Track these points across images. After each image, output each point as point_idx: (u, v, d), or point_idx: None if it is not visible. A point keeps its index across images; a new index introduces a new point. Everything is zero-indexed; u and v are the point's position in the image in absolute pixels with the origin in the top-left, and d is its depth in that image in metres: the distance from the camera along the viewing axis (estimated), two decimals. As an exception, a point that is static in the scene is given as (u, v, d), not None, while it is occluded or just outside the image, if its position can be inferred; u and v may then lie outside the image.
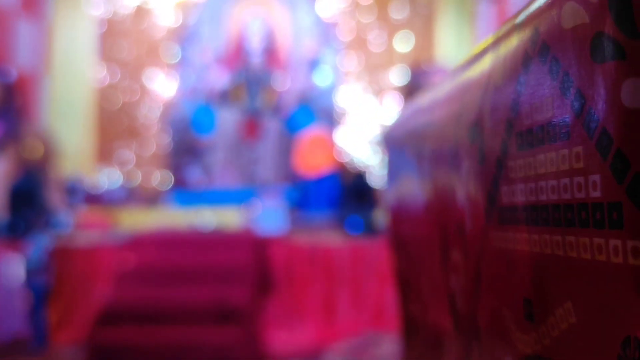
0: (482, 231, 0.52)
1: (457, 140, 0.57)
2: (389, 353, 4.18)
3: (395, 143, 0.81)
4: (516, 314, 0.49)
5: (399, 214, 0.66)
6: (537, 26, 0.47)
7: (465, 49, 8.98)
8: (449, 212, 0.58)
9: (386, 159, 0.92)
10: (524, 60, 0.49)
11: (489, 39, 0.56)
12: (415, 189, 0.67)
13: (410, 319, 0.62)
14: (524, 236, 0.48)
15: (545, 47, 0.45)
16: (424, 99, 0.71)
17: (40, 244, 4.32)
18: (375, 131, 9.34)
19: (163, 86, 9.38)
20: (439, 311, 0.54)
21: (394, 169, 0.85)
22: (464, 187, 0.55)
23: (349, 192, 5.45)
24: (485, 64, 0.57)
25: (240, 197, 7.40)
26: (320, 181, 6.35)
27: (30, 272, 4.23)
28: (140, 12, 9.39)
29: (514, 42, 0.52)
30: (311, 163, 6.44)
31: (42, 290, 4.35)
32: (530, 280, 0.47)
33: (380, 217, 5.84)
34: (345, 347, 4.33)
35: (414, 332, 0.62)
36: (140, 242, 5.00)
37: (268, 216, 5.30)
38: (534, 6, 0.48)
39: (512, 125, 0.50)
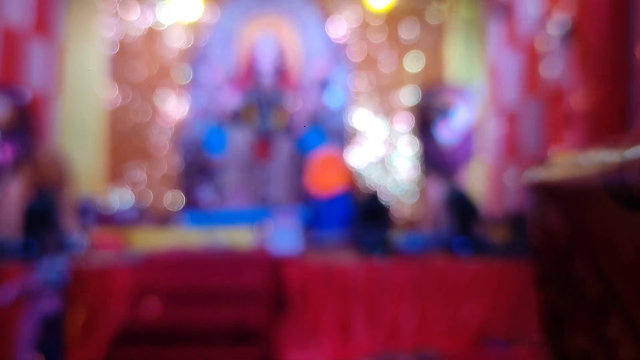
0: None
1: None
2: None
3: None
4: None
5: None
6: None
7: (476, 69, 9.02)
8: None
9: None
10: None
11: None
12: None
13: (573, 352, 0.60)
14: None
15: None
16: None
17: (55, 265, 4.32)
18: (385, 151, 9.35)
19: (174, 107, 9.45)
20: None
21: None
22: None
23: (362, 211, 5.45)
24: None
25: (252, 217, 7.40)
26: (333, 201, 6.35)
27: (45, 294, 4.23)
28: (152, 34, 9.49)
29: None
30: (323, 183, 6.44)
31: (57, 313, 4.35)
32: None
33: (394, 236, 5.83)
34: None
35: None
36: (154, 263, 5.00)
37: (281, 236, 5.30)
38: None
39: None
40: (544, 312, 0.66)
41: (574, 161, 0.56)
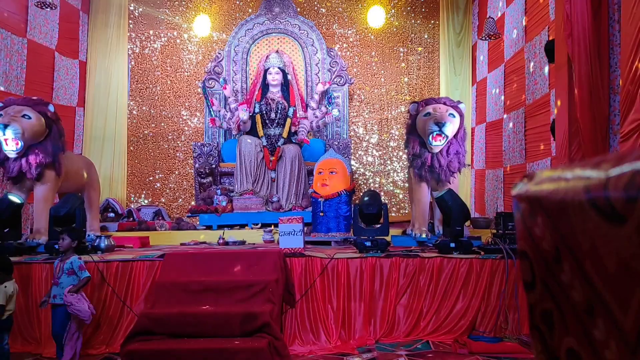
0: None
1: None
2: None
3: None
4: None
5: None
6: None
7: (465, 83, 9.02)
8: None
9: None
10: None
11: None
12: None
13: (564, 351, 0.59)
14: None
15: None
16: None
17: (79, 265, 4.31)
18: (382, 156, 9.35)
19: (190, 117, 9.47)
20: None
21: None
22: None
23: (360, 213, 5.43)
24: None
25: (261, 219, 7.42)
26: (334, 203, 6.34)
27: (69, 293, 4.21)
28: (170, 49, 9.52)
29: None
30: (326, 186, 6.44)
31: (80, 308, 4.33)
32: None
33: (390, 236, 5.82)
34: (361, 357, 4.28)
35: None
36: (170, 261, 4.99)
37: (287, 236, 5.29)
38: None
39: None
40: (533, 313, 0.65)
41: (559, 175, 0.56)
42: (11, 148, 5.56)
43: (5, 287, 4.02)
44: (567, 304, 0.56)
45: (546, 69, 5.94)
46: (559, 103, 4.81)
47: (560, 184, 0.54)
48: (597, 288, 0.50)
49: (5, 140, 5.54)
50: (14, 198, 5.39)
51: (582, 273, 0.52)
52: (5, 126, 5.50)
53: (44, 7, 6.95)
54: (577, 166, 0.53)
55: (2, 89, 7.01)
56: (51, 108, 5.92)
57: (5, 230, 5.27)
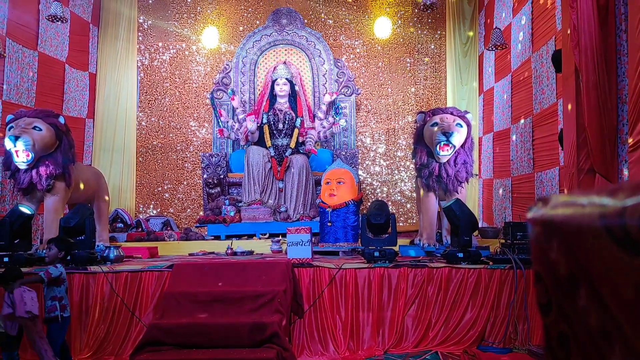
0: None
1: None
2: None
3: None
4: None
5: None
6: None
7: (472, 92, 9.01)
8: None
9: None
10: None
11: None
12: None
13: None
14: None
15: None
16: None
17: (64, 276, 4.29)
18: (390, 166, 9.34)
19: (198, 128, 9.50)
20: None
21: None
22: None
23: (368, 223, 5.42)
24: None
25: (268, 229, 7.41)
26: (342, 213, 6.33)
27: (62, 303, 4.19)
28: (178, 60, 9.58)
29: None
30: (334, 196, 6.43)
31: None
32: None
33: (398, 246, 5.80)
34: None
35: None
36: (179, 271, 4.99)
37: (295, 246, 5.28)
38: None
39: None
40: (548, 334, 0.64)
41: (575, 201, 0.55)
42: (22, 159, 5.60)
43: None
44: (583, 328, 0.56)
45: (553, 78, 5.93)
46: (569, 107, 4.78)
47: (576, 210, 0.54)
48: (614, 315, 0.50)
49: (16, 151, 5.59)
50: (25, 209, 5.42)
51: (599, 299, 0.52)
52: (17, 138, 5.54)
53: (55, 20, 7.02)
54: (593, 193, 0.53)
55: (13, 101, 7.07)
56: (61, 120, 5.96)
57: (16, 241, 5.30)
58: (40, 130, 5.69)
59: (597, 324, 0.53)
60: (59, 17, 6.92)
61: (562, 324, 0.60)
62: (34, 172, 5.70)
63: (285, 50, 9.17)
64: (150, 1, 9.61)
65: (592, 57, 4.34)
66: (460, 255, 4.96)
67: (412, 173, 8.96)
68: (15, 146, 5.56)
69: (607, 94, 4.30)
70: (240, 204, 7.74)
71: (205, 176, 8.25)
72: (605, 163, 4.29)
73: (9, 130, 5.72)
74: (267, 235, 7.32)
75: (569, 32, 4.67)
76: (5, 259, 5.06)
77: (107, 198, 7.10)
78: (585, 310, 0.55)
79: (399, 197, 9.40)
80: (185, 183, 9.41)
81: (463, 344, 4.64)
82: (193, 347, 4.27)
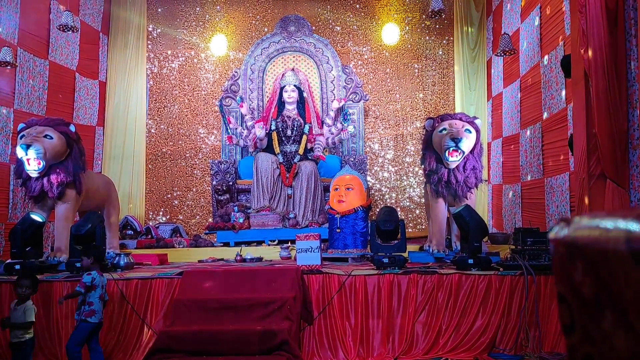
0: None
1: None
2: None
3: None
4: None
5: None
6: None
7: (481, 97, 8.98)
8: None
9: None
10: None
11: None
12: None
13: None
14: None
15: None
16: None
17: (98, 282, 4.33)
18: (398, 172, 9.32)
19: (207, 135, 9.53)
20: None
21: None
22: None
23: (377, 229, 5.40)
24: None
25: (277, 235, 7.41)
26: (351, 219, 6.31)
27: (88, 309, 4.22)
28: (187, 68, 9.62)
29: None
30: (343, 202, 6.42)
31: (98, 327, 4.34)
32: None
33: (408, 252, 5.77)
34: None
35: None
36: (189, 278, 4.99)
37: (305, 253, 5.27)
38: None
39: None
40: (573, 355, 0.63)
41: (599, 224, 0.54)
42: (33, 168, 5.63)
43: (33, 304, 4.13)
44: (610, 351, 0.54)
45: (563, 83, 5.89)
46: (579, 113, 4.75)
47: (601, 233, 0.53)
48: None
49: (28, 160, 5.62)
50: (36, 217, 5.45)
51: (626, 322, 0.50)
52: (28, 146, 5.58)
53: (66, 30, 7.07)
54: (618, 216, 0.51)
55: (24, 109, 7.12)
56: (72, 128, 5.99)
57: (27, 249, 5.33)
58: (52, 138, 5.72)
59: (624, 347, 0.52)
60: (69, 26, 6.97)
61: (587, 345, 0.58)
62: (45, 180, 5.73)
63: (294, 57, 9.19)
64: (160, 10, 9.67)
65: (602, 62, 4.31)
66: (471, 261, 4.93)
67: (421, 179, 8.93)
68: (26, 154, 5.59)
69: (617, 98, 4.27)
70: (249, 211, 7.74)
71: (214, 183, 8.26)
72: (616, 168, 4.26)
73: (21, 138, 5.76)
74: (276, 242, 7.31)
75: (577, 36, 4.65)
76: (17, 266, 5.09)
77: (117, 205, 7.12)
78: (611, 332, 0.53)
79: (407, 203, 9.37)
80: (194, 190, 9.43)
81: (474, 351, 4.60)
82: (203, 355, 4.27)
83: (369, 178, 9.04)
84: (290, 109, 8.41)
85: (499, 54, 7.02)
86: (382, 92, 9.51)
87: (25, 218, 5.48)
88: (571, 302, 0.61)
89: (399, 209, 9.03)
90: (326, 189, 7.66)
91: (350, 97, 8.89)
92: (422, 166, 6.43)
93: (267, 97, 9.00)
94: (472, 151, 5.94)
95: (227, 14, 9.67)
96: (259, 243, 7.40)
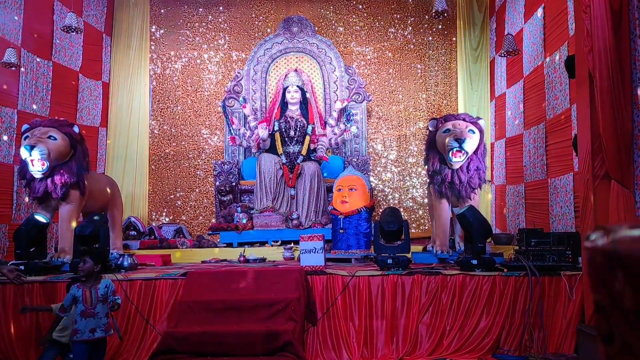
0: None
1: None
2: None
3: None
4: None
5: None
6: None
7: (484, 97, 8.95)
8: None
9: None
10: None
11: None
12: None
13: None
14: None
15: None
16: None
17: (103, 283, 4.29)
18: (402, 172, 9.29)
19: (210, 135, 9.51)
20: None
21: None
22: None
23: (381, 229, 5.37)
24: None
25: (281, 236, 7.38)
26: (354, 220, 6.29)
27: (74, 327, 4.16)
28: (190, 68, 9.60)
29: None
30: (346, 203, 6.39)
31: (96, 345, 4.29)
32: None
33: (411, 253, 5.74)
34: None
35: None
36: (192, 279, 4.97)
37: (308, 254, 5.25)
38: None
39: None
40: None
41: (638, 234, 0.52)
42: (37, 169, 5.62)
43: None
44: None
45: (567, 84, 5.86)
46: (583, 113, 4.72)
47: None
48: None
49: (32, 161, 5.61)
50: (40, 218, 5.44)
51: None
52: (32, 147, 5.56)
53: (70, 31, 7.05)
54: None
55: (28, 110, 7.11)
56: (76, 129, 5.98)
57: (31, 249, 5.31)
58: (55, 139, 5.71)
59: None
60: (73, 27, 6.95)
61: (627, 355, 0.56)
62: (49, 181, 5.72)
63: (297, 57, 9.17)
64: (162, 11, 9.66)
65: (606, 62, 4.28)
66: (474, 262, 4.90)
67: (424, 179, 8.91)
68: (30, 155, 5.58)
69: (621, 99, 4.24)
70: (252, 211, 7.72)
71: (217, 184, 8.25)
72: (620, 169, 4.23)
73: (25, 139, 5.75)
74: (279, 243, 7.29)
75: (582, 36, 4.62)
76: (22, 267, 5.07)
77: (120, 206, 7.11)
78: None
79: (410, 204, 9.34)
80: (197, 190, 9.41)
81: (478, 352, 4.57)
82: (207, 356, 4.25)
83: (372, 179, 9.01)
84: (293, 110, 8.40)
85: (502, 54, 6.99)
86: (385, 92, 9.49)
87: (29, 219, 5.47)
88: (610, 311, 0.59)
89: (401, 210, 9.01)
90: (329, 190, 7.64)
91: (353, 97, 8.88)
92: (426, 167, 6.40)
93: (270, 97, 8.98)
94: (475, 152, 5.92)
95: (229, 15, 9.65)
96: (262, 244, 7.38)
